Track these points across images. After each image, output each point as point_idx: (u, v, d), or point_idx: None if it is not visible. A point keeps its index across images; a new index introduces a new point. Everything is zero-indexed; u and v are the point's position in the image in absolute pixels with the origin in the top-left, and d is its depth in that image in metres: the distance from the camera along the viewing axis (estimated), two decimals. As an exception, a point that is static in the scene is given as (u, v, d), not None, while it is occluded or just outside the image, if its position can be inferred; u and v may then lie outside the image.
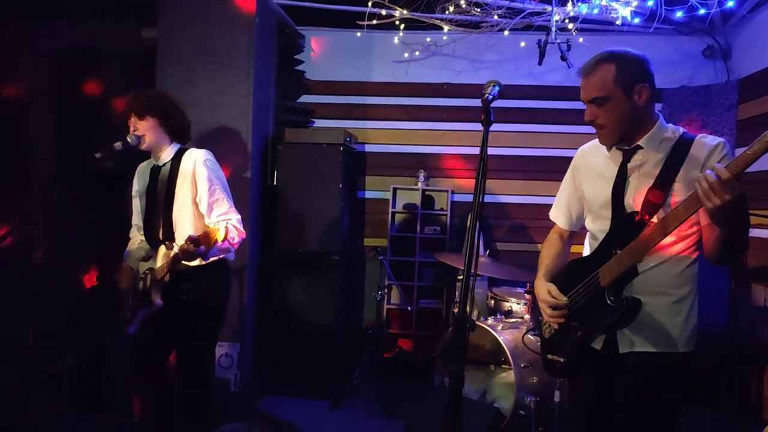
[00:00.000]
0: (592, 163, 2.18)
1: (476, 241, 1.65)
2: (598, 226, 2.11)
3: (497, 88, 1.84)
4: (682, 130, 2.00)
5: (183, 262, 2.72)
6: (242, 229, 2.88)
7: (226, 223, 2.77)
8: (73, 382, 3.24)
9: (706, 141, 1.92)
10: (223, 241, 2.56)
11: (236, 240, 2.83)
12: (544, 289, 2.15)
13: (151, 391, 3.01)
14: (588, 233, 2.22)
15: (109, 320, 3.68)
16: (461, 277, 4.43)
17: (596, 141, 2.15)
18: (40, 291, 3.56)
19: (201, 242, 2.53)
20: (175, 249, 2.70)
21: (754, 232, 4.12)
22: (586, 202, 2.20)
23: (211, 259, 2.84)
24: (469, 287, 1.48)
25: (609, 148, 2.07)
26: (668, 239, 1.89)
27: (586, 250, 2.20)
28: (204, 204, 2.83)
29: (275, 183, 4.64)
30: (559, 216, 2.37)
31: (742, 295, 4.38)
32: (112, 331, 3.58)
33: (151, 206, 2.95)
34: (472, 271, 1.64)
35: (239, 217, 2.89)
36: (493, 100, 1.79)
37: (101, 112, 4.21)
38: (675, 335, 1.95)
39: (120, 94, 3.04)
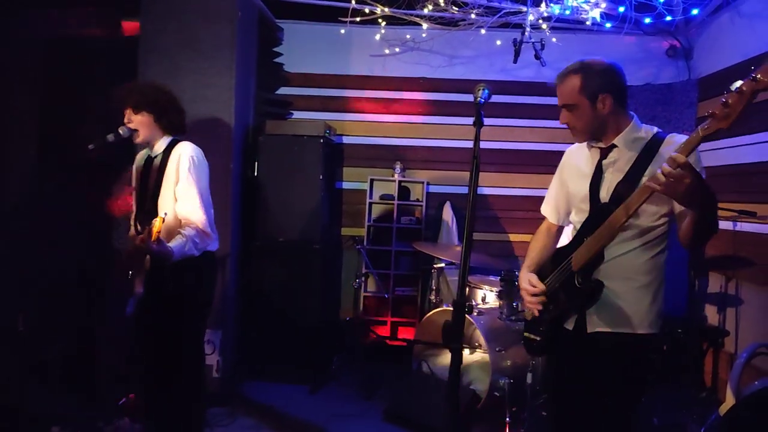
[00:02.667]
0: (576, 161, 2.35)
1: (468, 233, 1.80)
2: (578, 218, 2.27)
3: (487, 91, 1.99)
4: (656, 129, 2.17)
5: (146, 252, 2.68)
6: (209, 232, 2.91)
7: (195, 228, 2.82)
8: (64, 368, 3.27)
9: (675, 140, 2.08)
10: (157, 237, 2.56)
11: (202, 245, 2.88)
12: (526, 278, 2.33)
13: (146, 383, 3.06)
14: (571, 225, 2.39)
15: (98, 308, 3.73)
16: (437, 265, 4.63)
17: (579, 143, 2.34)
18: (30, 279, 3.59)
19: (148, 236, 2.54)
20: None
21: (712, 224, 4.38)
22: (570, 197, 2.37)
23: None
24: (466, 275, 1.63)
25: (581, 142, 2.28)
26: (634, 231, 2.09)
27: (564, 241, 2.37)
28: (178, 198, 2.87)
29: (256, 174, 4.72)
30: (548, 211, 2.53)
31: (699, 283, 4.65)
32: (101, 319, 3.63)
33: (142, 196, 2.99)
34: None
35: (204, 220, 2.90)
36: (484, 103, 1.94)
37: (83, 101, 4.21)
38: (638, 318, 2.12)
39: (103, 84, 3.04)
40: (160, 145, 2.99)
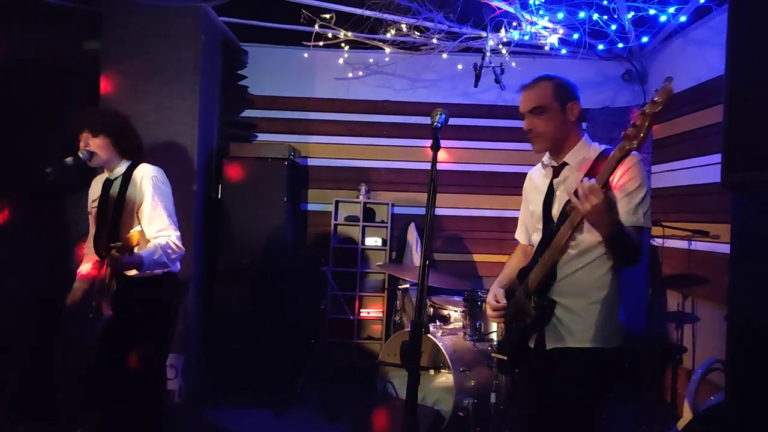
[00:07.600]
0: (535, 182, 2.42)
1: (425, 254, 1.83)
2: (537, 237, 2.33)
3: (444, 115, 2.04)
4: (603, 147, 2.25)
5: (116, 271, 2.73)
6: (181, 246, 2.94)
7: (166, 239, 2.84)
8: (22, 396, 3.19)
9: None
10: (136, 245, 2.57)
11: (174, 256, 2.90)
12: (492, 293, 2.39)
13: (104, 406, 2.99)
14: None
15: (55, 330, 3.65)
16: (402, 286, 4.65)
17: (539, 164, 2.40)
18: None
19: (123, 248, 2.55)
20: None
21: (668, 243, 4.51)
22: (530, 219, 2.44)
23: (154, 271, 2.87)
24: (423, 297, 1.66)
25: (541, 153, 2.33)
26: (582, 248, 2.15)
27: None
28: (145, 218, 2.88)
29: (219, 196, 4.70)
30: (519, 234, 2.60)
31: (658, 301, 4.77)
32: (58, 342, 3.54)
33: (101, 219, 2.97)
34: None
35: (179, 234, 2.95)
36: (441, 128, 1.98)
37: (42, 123, 4.15)
38: (593, 333, 2.16)
39: (63, 106, 3.03)
40: (120, 169, 2.99)
